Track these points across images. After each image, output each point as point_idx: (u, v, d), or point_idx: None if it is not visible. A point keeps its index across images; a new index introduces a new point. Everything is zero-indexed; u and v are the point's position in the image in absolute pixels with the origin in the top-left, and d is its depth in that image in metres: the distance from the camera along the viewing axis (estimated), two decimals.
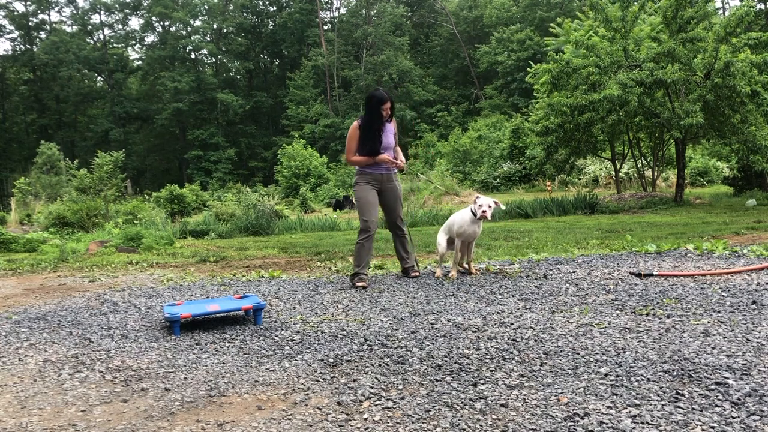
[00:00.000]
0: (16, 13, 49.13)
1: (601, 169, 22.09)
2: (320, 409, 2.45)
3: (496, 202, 5.28)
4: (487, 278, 5.25)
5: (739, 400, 2.31)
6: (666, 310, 3.79)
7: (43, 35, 50.52)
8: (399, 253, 5.57)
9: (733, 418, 2.16)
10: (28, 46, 50.30)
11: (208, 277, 6.16)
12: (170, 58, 49.74)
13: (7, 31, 49.41)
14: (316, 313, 4.20)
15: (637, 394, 2.43)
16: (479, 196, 5.29)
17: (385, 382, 2.73)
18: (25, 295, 5.44)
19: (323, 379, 2.81)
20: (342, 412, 2.41)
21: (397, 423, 2.28)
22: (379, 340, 3.40)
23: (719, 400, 2.32)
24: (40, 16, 50.94)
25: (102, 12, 52.40)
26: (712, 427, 2.10)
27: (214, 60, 54.00)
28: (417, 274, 5.50)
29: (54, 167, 29.22)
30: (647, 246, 6.53)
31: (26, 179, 24.10)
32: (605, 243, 7.27)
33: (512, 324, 3.62)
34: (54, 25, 51.34)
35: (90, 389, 2.81)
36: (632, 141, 16.54)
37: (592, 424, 2.17)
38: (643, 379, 2.58)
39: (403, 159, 5.60)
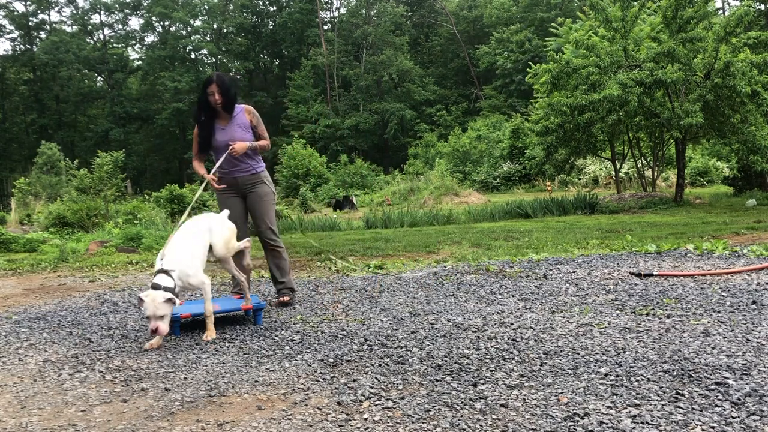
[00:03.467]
0: (16, 13, 49.05)
1: (601, 169, 22.09)
2: (320, 409, 2.45)
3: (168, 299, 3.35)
4: (487, 278, 5.25)
5: (739, 400, 2.31)
6: (666, 310, 3.79)
7: (43, 35, 50.43)
8: (270, 270, 4.58)
9: (733, 418, 2.16)
10: (28, 46, 50.23)
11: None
12: (170, 58, 49.69)
13: (7, 31, 49.34)
14: (316, 313, 4.20)
15: (637, 394, 2.43)
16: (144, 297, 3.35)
17: (385, 382, 2.73)
18: (25, 295, 5.44)
19: (323, 379, 2.81)
20: (342, 412, 2.41)
21: (397, 423, 2.28)
22: (379, 340, 3.41)
23: (719, 400, 2.33)
24: (40, 16, 50.88)
25: (102, 12, 52.33)
26: (712, 427, 2.10)
27: (214, 60, 53.92)
28: (287, 299, 4.45)
29: (54, 167, 29.18)
30: (647, 246, 6.53)
31: (26, 179, 24.06)
32: (605, 243, 7.27)
33: (512, 324, 3.62)
34: (54, 25, 51.27)
35: (90, 389, 2.82)
36: (632, 141, 16.53)
37: (592, 424, 2.17)
38: (643, 379, 2.58)
39: (260, 145, 4.38)
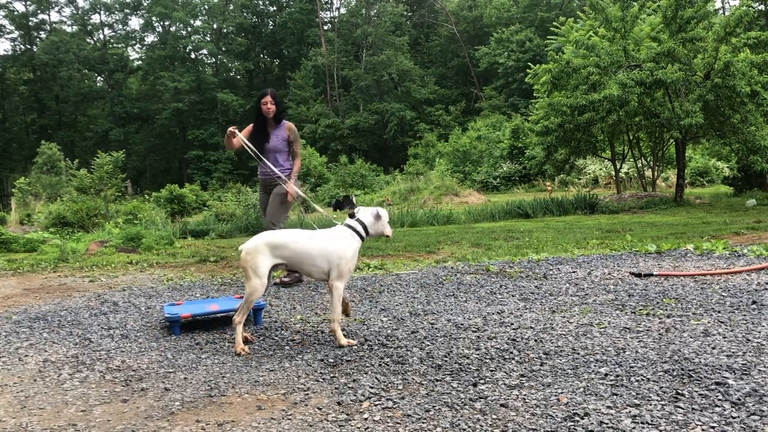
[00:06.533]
0: (16, 13, 49.05)
1: (601, 169, 22.08)
2: (320, 409, 2.45)
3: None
4: (487, 278, 5.25)
5: (739, 400, 2.31)
6: (666, 310, 3.79)
7: (43, 35, 50.43)
8: None
9: (733, 418, 2.16)
10: (28, 46, 50.23)
11: (208, 277, 6.16)
12: (170, 58, 49.68)
13: (7, 31, 49.34)
14: (316, 313, 4.20)
15: (637, 394, 2.43)
16: (360, 208, 3.64)
17: (385, 382, 2.73)
18: (25, 295, 5.43)
19: (323, 379, 2.81)
20: (342, 412, 2.41)
21: (397, 423, 2.28)
22: (379, 340, 3.41)
23: (719, 400, 2.33)
24: (40, 16, 50.87)
25: (102, 12, 52.33)
26: (712, 427, 2.10)
27: (214, 60, 53.96)
28: (287, 280, 5.30)
29: (54, 167, 29.18)
30: (647, 246, 6.52)
31: (26, 179, 24.05)
32: (605, 243, 7.26)
33: (512, 324, 3.62)
34: (54, 25, 51.27)
35: (90, 389, 2.82)
36: (632, 141, 16.53)
37: (592, 424, 2.17)
38: (643, 379, 2.58)
39: (297, 168, 5.38)
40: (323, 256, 3.36)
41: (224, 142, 5.24)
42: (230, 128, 5.04)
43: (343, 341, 3.33)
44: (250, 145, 4.99)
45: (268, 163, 5.14)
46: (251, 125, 5.35)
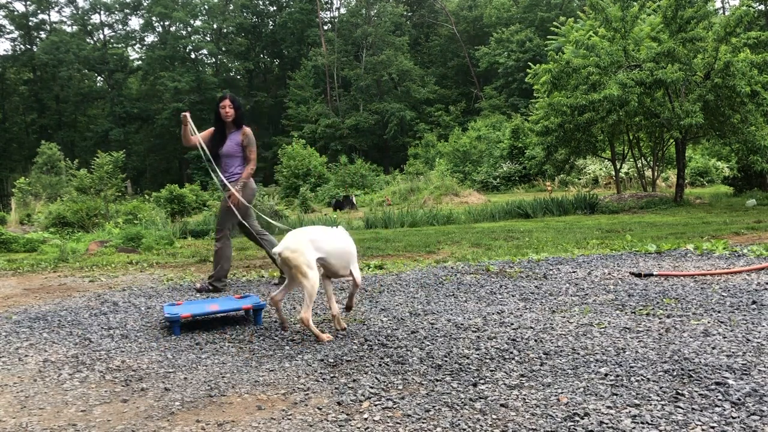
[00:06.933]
0: (16, 13, 49.05)
1: (601, 169, 22.08)
2: (320, 409, 2.45)
3: None
4: (487, 278, 5.25)
5: (739, 400, 2.31)
6: (666, 310, 3.79)
7: (43, 35, 50.43)
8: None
9: (733, 418, 2.16)
10: (28, 46, 50.23)
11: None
12: (170, 58, 49.69)
13: (7, 31, 49.34)
14: (316, 313, 4.20)
15: (637, 394, 2.43)
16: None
17: (385, 382, 2.73)
18: (25, 295, 5.43)
19: (323, 379, 2.81)
20: (342, 412, 2.41)
21: (397, 423, 2.28)
22: (379, 340, 3.41)
23: (719, 400, 2.33)
24: (40, 16, 50.88)
25: (102, 12, 52.33)
26: (712, 427, 2.10)
27: (214, 60, 53.97)
28: (197, 287, 5.32)
29: (54, 167, 29.17)
30: (647, 246, 6.52)
31: (26, 179, 24.04)
32: (605, 243, 7.26)
33: (512, 324, 3.62)
34: (54, 25, 51.28)
35: (90, 389, 2.82)
36: (632, 141, 16.53)
37: (592, 424, 2.17)
38: (643, 379, 2.58)
39: (247, 173, 5.21)
40: (349, 252, 3.67)
41: (181, 135, 5.26)
42: (183, 113, 5.13)
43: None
44: (205, 148, 5.11)
45: (215, 169, 5.18)
46: (212, 129, 5.32)
